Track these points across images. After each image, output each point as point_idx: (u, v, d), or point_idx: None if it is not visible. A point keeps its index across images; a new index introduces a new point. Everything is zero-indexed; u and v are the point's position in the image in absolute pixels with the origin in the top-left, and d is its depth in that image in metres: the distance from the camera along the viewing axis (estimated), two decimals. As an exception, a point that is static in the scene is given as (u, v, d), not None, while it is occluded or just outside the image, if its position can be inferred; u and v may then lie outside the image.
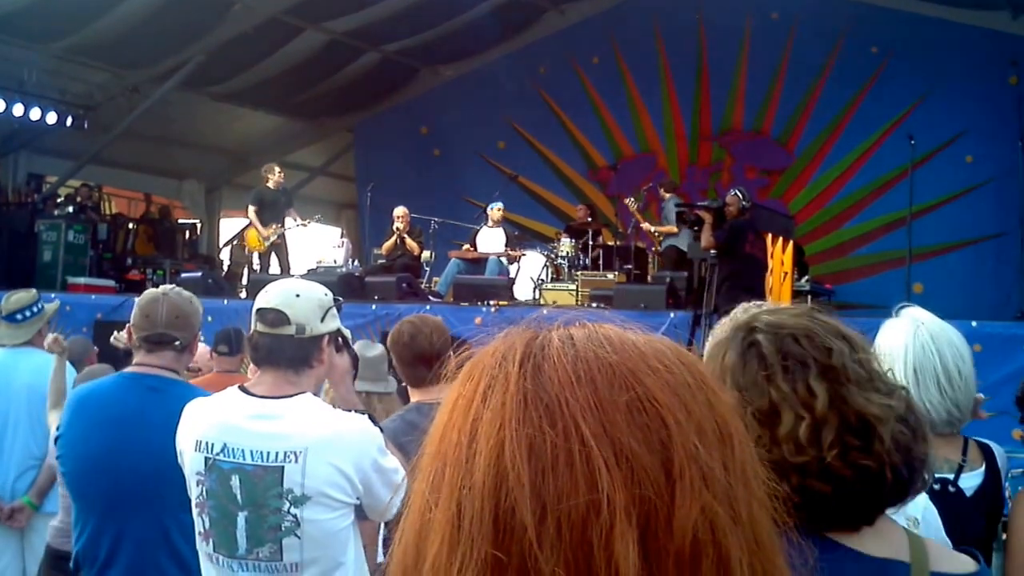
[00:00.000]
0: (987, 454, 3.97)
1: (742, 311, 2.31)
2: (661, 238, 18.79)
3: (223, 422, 3.98)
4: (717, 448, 1.14)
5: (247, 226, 21.52)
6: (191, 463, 4.00)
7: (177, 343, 5.04)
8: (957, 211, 20.66)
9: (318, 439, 3.91)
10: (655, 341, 1.23)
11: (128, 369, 5.12)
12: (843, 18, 21.96)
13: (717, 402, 1.19)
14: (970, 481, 3.86)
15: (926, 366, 3.81)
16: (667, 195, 18.90)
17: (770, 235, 15.93)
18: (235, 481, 3.88)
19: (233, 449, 3.91)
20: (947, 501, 3.67)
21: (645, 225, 18.94)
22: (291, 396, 4.03)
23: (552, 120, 25.38)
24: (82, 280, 19.77)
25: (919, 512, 2.88)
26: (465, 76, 26.43)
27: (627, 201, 19.47)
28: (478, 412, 1.15)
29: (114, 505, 4.84)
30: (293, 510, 3.85)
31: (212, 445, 3.94)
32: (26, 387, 7.48)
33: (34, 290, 8.21)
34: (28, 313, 7.83)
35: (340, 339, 4.31)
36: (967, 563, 2.15)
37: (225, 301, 15.73)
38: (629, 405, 1.12)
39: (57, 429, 5.16)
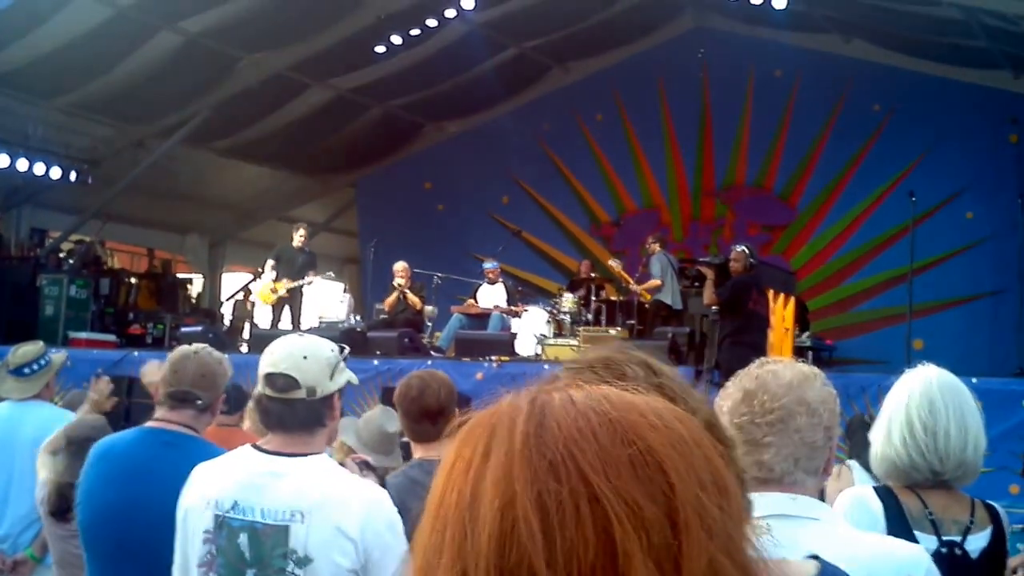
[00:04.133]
0: (994, 515, 3.97)
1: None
2: (650, 296, 18.71)
3: (236, 480, 3.96)
4: (716, 498, 1.17)
5: (252, 280, 21.59)
6: (198, 520, 3.95)
7: (199, 402, 5.04)
8: (957, 268, 20.68)
9: (325, 501, 3.89)
10: (650, 400, 1.25)
11: (148, 424, 5.13)
12: (846, 75, 22.10)
13: (712, 455, 1.21)
14: (976, 543, 3.85)
15: (895, 417, 3.93)
16: (655, 250, 18.83)
17: (771, 291, 15.92)
18: (243, 539, 3.85)
19: (244, 507, 3.89)
20: (953, 564, 3.69)
21: (631, 285, 18.88)
22: (305, 455, 4.01)
23: (556, 176, 25.48)
24: (83, 335, 19.81)
25: (921, 573, 2.79)
26: (469, 132, 26.60)
27: (609, 263, 19.49)
28: (479, 472, 1.17)
29: (119, 558, 4.84)
30: (297, 571, 3.80)
31: (222, 502, 3.92)
32: (32, 440, 7.26)
33: (41, 343, 8.10)
34: (36, 367, 7.75)
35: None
36: (804, 570, 2.12)
37: (226, 356, 15.67)
38: (632, 459, 1.14)
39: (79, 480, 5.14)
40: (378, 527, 3.87)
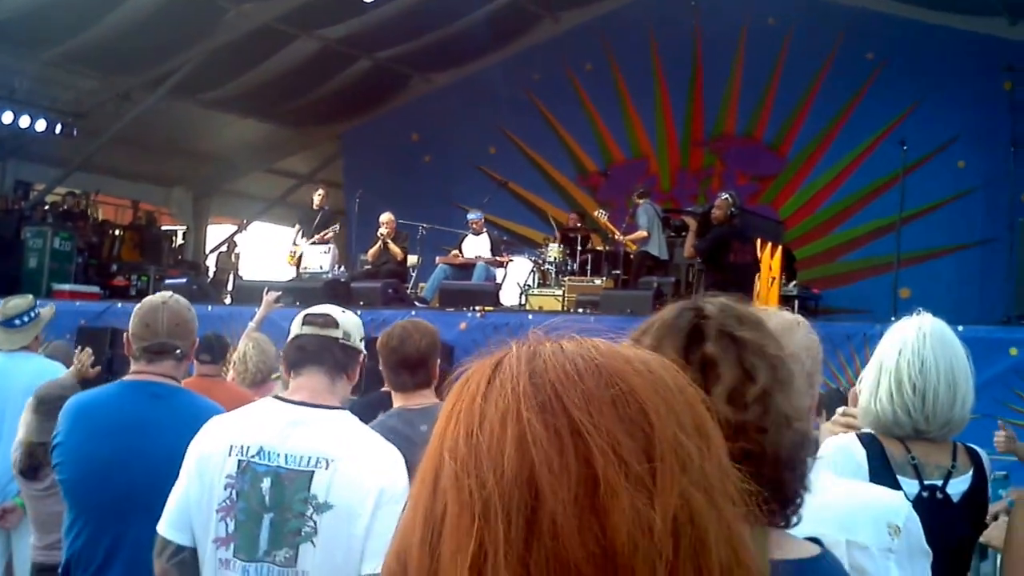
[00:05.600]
0: (975, 459, 3.98)
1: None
2: (635, 246, 18.60)
3: (261, 427, 4.03)
4: (695, 440, 1.23)
5: (236, 232, 21.56)
6: (219, 466, 3.99)
7: (178, 351, 5.05)
8: (947, 216, 20.67)
9: (350, 451, 3.97)
10: (642, 352, 1.33)
11: (128, 377, 5.10)
12: (839, 24, 21.99)
13: (696, 403, 1.29)
14: (958, 487, 3.88)
15: (885, 370, 3.92)
16: (640, 201, 18.70)
17: (759, 240, 15.85)
18: (266, 483, 3.92)
19: (269, 452, 3.95)
20: (934, 507, 3.73)
21: (618, 236, 18.76)
22: (331, 408, 4.15)
23: (544, 126, 25.51)
24: (67, 287, 19.83)
25: (901, 520, 2.81)
26: (457, 83, 26.60)
27: (596, 214, 19.38)
28: (482, 409, 1.23)
29: (114, 510, 4.83)
30: (315, 516, 3.88)
31: (248, 448, 3.97)
32: (23, 391, 7.29)
33: (30, 296, 8.25)
34: (26, 318, 7.87)
35: None
36: (809, 549, 2.11)
37: (209, 307, 15.70)
38: (614, 399, 1.22)
39: (54, 437, 5.07)
40: (396, 482, 3.94)
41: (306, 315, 4.28)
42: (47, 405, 5.98)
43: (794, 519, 2.07)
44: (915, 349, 3.87)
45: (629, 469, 1.17)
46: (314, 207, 20.10)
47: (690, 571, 1.17)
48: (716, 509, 1.22)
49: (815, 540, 2.14)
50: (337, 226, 19.90)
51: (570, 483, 1.16)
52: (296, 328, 4.27)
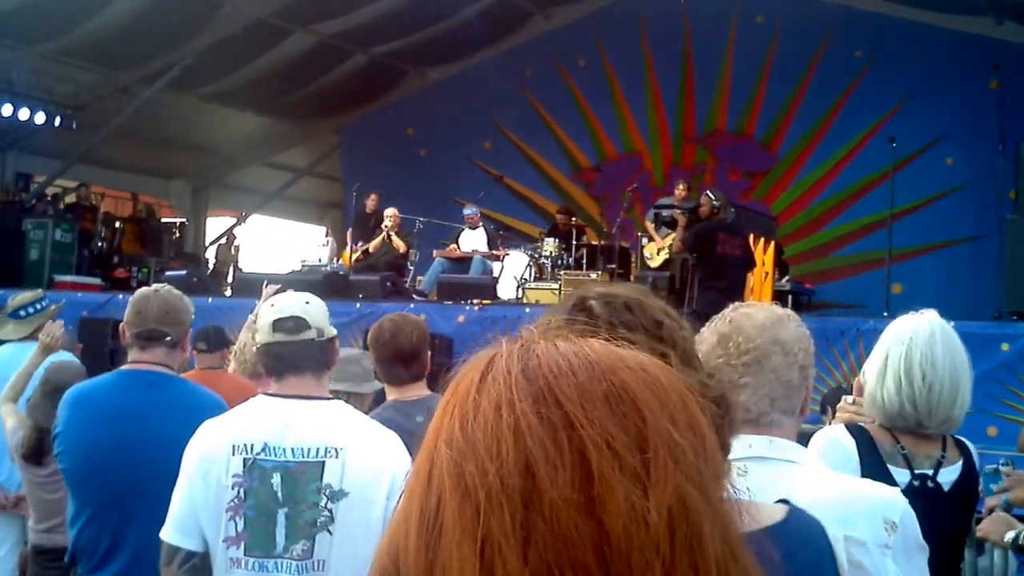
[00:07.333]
0: (964, 450, 4.05)
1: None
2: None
3: (261, 424, 4.03)
4: (688, 436, 1.24)
5: (235, 224, 21.60)
6: (225, 467, 3.97)
7: (168, 338, 5.07)
8: (937, 213, 20.74)
9: (359, 438, 4.02)
10: (637, 352, 1.33)
11: (124, 367, 5.15)
12: (827, 22, 22.09)
13: (690, 403, 1.29)
14: (948, 476, 3.94)
15: (894, 357, 3.94)
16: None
17: (751, 235, 15.95)
18: (276, 479, 3.93)
19: (275, 448, 3.96)
20: (927, 496, 3.79)
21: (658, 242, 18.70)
22: (325, 399, 4.18)
23: (537, 122, 25.53)
24: (68, 278, 19.88)
25: (897, 516, 2.79)
26: (452, 78, 26.62)
27: (647, 223, 19.09)
28: (476, 401, 1.25)
29: (117, 499, 4.88)
30: (330, 505, 3.91)
31: (252, 446, 3.96)
32: (33, 380, 7.37)
33: (40, 290, 8.41)
34: (32, 309, 8.02)
35: None
36: (775, 512, 2.19)
37: (209, 299, 15.75)
38: (607, 393, 1.23)
39: (55, 426, 5.11)
40: (405, 465, 3.93)
41: (275, 321, 4.15)
42: (60, 391, 5.69)
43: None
44: (927, 341, 3.90)
45: (623, 462, 1.18)
46: (367, 211, 20.56)
47: (686, 565, 1.19)
48: (711, 506, 1.22)
49: (783, 501, 2.23)
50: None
51: (566, 475, 1.17)
52: (266, 333, 4.18)
